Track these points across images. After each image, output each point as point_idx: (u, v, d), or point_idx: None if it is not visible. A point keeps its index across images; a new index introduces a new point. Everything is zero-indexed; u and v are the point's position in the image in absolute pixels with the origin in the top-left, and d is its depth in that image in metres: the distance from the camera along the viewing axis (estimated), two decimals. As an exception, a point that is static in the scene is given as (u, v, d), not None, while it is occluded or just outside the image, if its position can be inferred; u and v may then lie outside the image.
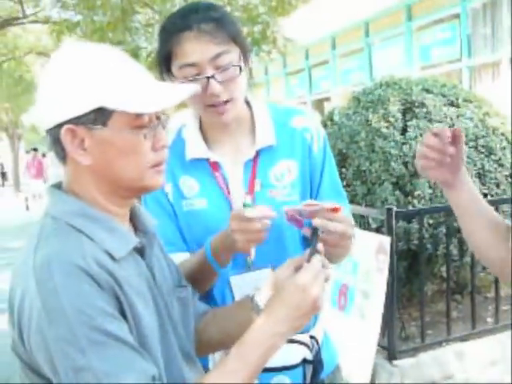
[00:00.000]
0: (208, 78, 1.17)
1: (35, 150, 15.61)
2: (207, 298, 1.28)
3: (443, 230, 3.24)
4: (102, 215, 0.92)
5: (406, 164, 3.40)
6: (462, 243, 3.31)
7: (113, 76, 0.90)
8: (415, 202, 3.30)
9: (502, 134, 3.57)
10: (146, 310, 0.90)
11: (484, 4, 7.68)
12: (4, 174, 29.52)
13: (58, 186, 0.98)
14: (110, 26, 8.14)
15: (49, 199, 0.96)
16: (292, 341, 1.23)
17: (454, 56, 8.18)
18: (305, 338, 1.28)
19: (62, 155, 0.93)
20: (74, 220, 0.90)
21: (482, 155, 3.46)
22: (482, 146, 3.50)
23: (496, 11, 7.45)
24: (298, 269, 0.99)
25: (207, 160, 1.29)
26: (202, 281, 1.27)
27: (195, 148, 1.30)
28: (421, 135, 3.42)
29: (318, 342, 1.31)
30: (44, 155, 15.41)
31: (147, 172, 0.93)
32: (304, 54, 12.35)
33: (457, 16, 8.08)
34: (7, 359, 0.99)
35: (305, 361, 1.27)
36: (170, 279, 1.06)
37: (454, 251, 3.32)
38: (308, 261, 0.96)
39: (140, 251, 0.96)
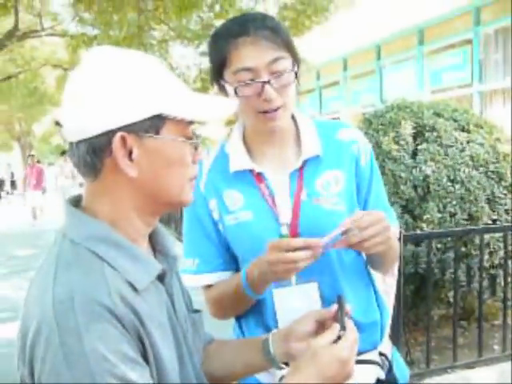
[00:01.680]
0: (264, 82, 1.16)
1: (33, 156, 14.29)
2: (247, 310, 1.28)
3: (451, 254, 3.23)
4: (125, 241, 0.85)
5: (415, 187, 3.40)
6: (469, 269, 3.29)
7: (169, 82, 0.87)
8: (424, 225, 3.29)
9: (513, 161, 3.56)
10: (165, 342, 0.85)
11: (496, 30, 7.73)
12: (13, 183, 29.77)
13: (75, 202, 0.90)
14: (126, 40, 8.26)
15: (67, 219, 0.87)
16: (363, 361, 1.20)
17: (465, 81, 8.21)
18: (374, 355, 1.25)
19: (99, 168, 0.83)
20: (96, 246, 0.82)
21: (493, 181, 3.46)
22: (492, 172, 3.49)
23: (508, 37, 7.48)
24: (318, 322, 0.98)
25: (251, 171, 1.27)
26: (238, 305, 1.27)
27: (238, 160, 1.28)
28: (431, 159, 3.42)
29: (388, 359, 1.27)
30: (39, 161, 14.83)
31: (186, 185, 0.90)
32: (315, 74, 12.44)
33: (469, 41, 8.12)
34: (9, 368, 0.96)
35: (378, 380, 1.23)
36: (185, 304, 1.01)
37: (462, 277, 3.30)
38: (342, 327, 0.91)
39: (160, 277, 0.90)
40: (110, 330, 0.75)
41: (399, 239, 2.87)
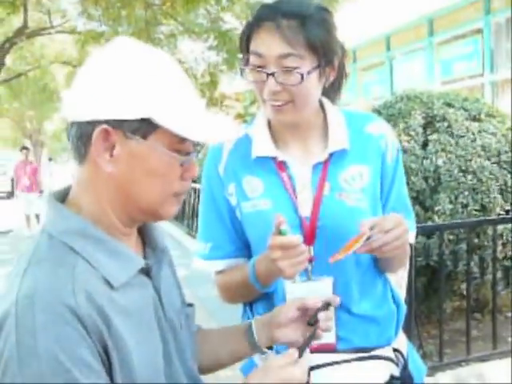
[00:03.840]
0: (268, 74, 1.13)
1: (26, 148, 12.01)
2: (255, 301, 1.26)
3: (464, 246, 3.18)
4: (105, 236, 0.82)
5: (426, 179, 3.35)
6: (482, 260, 3.24)
7: (170, 89, 0.82)
8: (435, 217, 3.25)
9: (526, 150, 3.50)
10: (144, 340, 0.81)
11: (507, 19, 7.61)
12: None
13: (60, 196, 0.87)
14: (134, 36, 8.25)
15: (48, 213, 0.85)
16: (376, 357, 1.17)
17: (476, 71, 8.11)
18: (388, 351, 1.22)
19: (83, 154, 0.82)
20: (73, 241, 0.80)
21: (505, 171, 3.40)
22: (505, 162, 3.43)
23: (520, 26, 7.37)
24: (300, 309, 0.99)
25: (274, 159, 1.22)
26: (247, 294, 1.25)
27: (262, 146, 1.23)
28: (442, 150, 3.37)
29: (403, 356, 1.24)
30: (50, 159, 13.49)
31: (168, 199, 0.85)
32: (325, 67, 12.36)
33: (479, 31, 8.02)
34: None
35: (392, 377, 1.19)
36: (179, 298, 0.99)
37: (475, 268, 3.25)
38: (300, 351, 0.90)
39: (147, 271, 0.88)
40: (68, 333, 0.71)
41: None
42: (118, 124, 0.79)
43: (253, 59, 1.15)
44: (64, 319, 0.71)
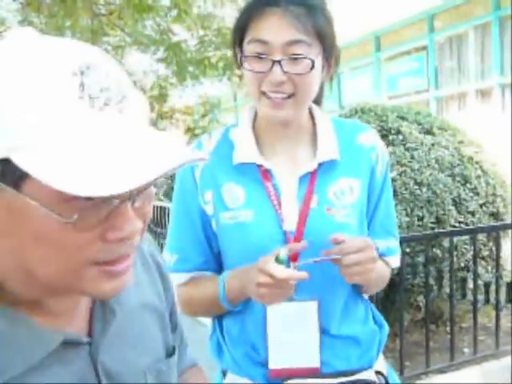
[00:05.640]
0: (274, 61, 1.03)
1: None
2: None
3: (421, 258, 3.19)
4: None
5: (382, 191, 3.36)
6: (440, 272, 3.27)
7: (55, 113, 0.53)
8: (392, 229, 3.25)
9: (477, 163, 3.58)
10: None
11: (450, 38, 7.92)
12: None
13: None
14: (79, 47, 8.00)
15: None
16: (360, 381, 1.11)
17: (422, 86, 8.37)
18: (371, 375, 1.15)
19: None
20: None
21: (458, 184, 3.46)
22: (458, 174, 3.50)
23: (462, 45, 7.68)
24: None
25: (258, 166, 1.13)
26: (212, 311, 1.17)
27: (245, 151, 1.13)
28: (397, 162, 3.40)
29: (385, 378, 1.18)
30: None
31: (87, 271, 0.58)
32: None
33: (424, 48, 8.29)
34: None
35: None
36: (154, 351, 0.78)
37: (431, 280, 3.27)
38: None
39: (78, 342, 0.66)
40: None
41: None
42: None
43: (254, 47, 1.05)
44: None
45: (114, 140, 0.54)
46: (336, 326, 1.13)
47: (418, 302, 3.41)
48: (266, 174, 1.12)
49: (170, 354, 0.81)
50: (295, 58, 1.03)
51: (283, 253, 0.97)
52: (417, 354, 3.31)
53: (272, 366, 1.09)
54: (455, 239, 3.26)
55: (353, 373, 1.12)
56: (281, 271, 0.96)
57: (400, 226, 3.25)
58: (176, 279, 1.17)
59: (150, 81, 9.64)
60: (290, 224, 1.10)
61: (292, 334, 1.08)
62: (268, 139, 1.16)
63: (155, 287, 0.83)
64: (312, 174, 1.12)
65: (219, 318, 1.20)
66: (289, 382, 1.08)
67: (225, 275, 1.11)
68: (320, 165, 1.13)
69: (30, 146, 0.52)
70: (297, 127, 1.14)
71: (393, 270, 3.17)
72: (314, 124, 1.18)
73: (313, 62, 1.05)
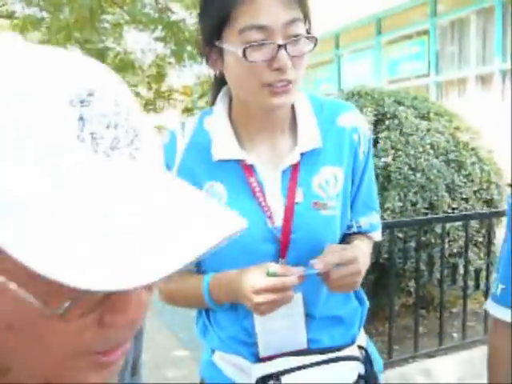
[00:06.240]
0: (279, 46, 0.94)
1: None
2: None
3: (413, 244, 3.20)
4: None
5: (376, 176, 3.34)
6: (431, 257, 3.27)
7: (42, 156, 0.38)
8: (384, 214, 3.25)
9: (472, 149, 3.56)
10: None
11: (452, 22, 7.83)
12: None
13: None
14: (77, 24, 7.89)
15: None
16: (345, 358, 1.11)
17: (422, 71, 8.31)
18: (354, 350, 1.15)
19: None
20: None
21: (453, 170, 3.45)
22: (452, 161, 3.48)
23: (463, 29, 7.59)
24: None
25: (239, 162, 1.06)
26: (196, 306, 1.17)
27: (225, 146, 1.06)
28: (392, 147, 3.38)
29: (367, 352, 1.18)
30: None
31: (73, 363, 0.43)
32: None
33: (426, 32, 8.21)
34: None
35: (360, 377, 1.12)
36: None
37: (422, 266, 3.28)
38: None
39: None
40: None
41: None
42: None
43: (251, 35, 0.94)
44: None
45: (126, 206, 0.38)
46: (320, 310, 1.13)
47: (409, 287, 3.43)
48: (249, 169, 1.06)
49: None
50: (296, 40, 0.97)
51: (273, 268, 0.96)
52: (406, 339, 3.33)
53: (263, 354, 1.10)
54: (448, 225, 3.26)
55: (338, 349, 1.12)
56: (278, 280, 0.95)
57: (393, 211, 3.25)
58: None
59: (148, 60, 9.58)
60: (277, 220, 1.06)
61: (279, 322, 1.08)
62: (247, 130, 1.09)
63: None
64: (295, 166, 1.07)
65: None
66: (278, 359, 1.08)
67: (208, 279, 1.07)
68: (302, 154, 1.07)
69: (5, 212, 0.36)
70: (278, 115, 1.08)
71: (384, 254, 3.17)
72: (293, 111, 1.11)
73: (316, 39, 0.99)
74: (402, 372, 3.00)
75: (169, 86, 11.00)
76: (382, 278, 3.27)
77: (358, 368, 1.13)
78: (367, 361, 1.16)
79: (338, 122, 1.12)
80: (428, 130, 3.53)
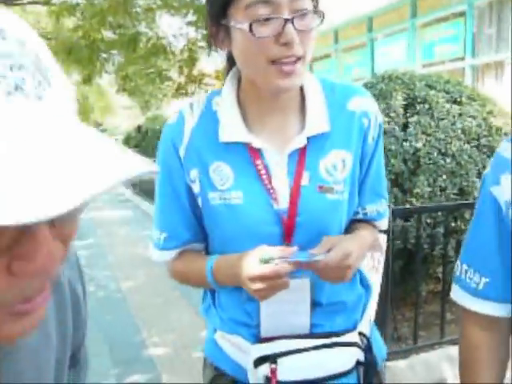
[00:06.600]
0: (286, 20, 0.93)
1: None
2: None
3: (441, 229, 3.16)
4: None
5: (405, 161, 3.31)
6: (459, 244, 3.23)
7: None
8: (413, 200, 3.22)
9: (506, 134, 3.48)
10: None
11: (490, 3, 7.58)
12: None
13: None
14: (111, 9, 7.98)
15: None
16: (343, 343, 1.12)
17: (458, 54, 8.09)
18: (354, 336, 1.15)
19: None
20: None
21: (484, 155, 3.38)
22: (484, 146, 3.41)
23: (503, 11, 7.35)
24: None
25: (246, 145, 1.06)
26: (201, 286, 1.18)
27: (232, 129, 1.05)
28: (422, 132, 3.33)
29: (368, 339, 1.17)
30: None
31: None
32: (306, 47, 12.24)
33: (462, 14, 7.98)
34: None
35: (358, 363, 1.13)
36: None
37: (451, 252, 3.24)
38: None
39: None
40: None
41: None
42: None
43: (257, 10, 0.93)
44: None
45: (28, 142, 0.37)
46: (326, 297, 1.14)
47: (437, 273, 3.40)
48: (255, 152, 1.06)
49: None
50: (303, 14, 0.95)
51: (266, 255, 0.95)
52: (433, 325, 3.31)
53: (264, 334, 1.11)
54: (478, 211, 3.20)
55: (338, 334, 1.13)
56: (270, 268, 0.95)
57: (422, 196, 3.22)
58: (166, 256, 1.18)
59: (180, 44, 9.63)
60: (282, 204, 1.06)
61: (285, 306, 1.08)
62: (254, 112, 1.08)
63: (63, 326, 0.67)
64: (302, 150, 1.07)
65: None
66: (277, 341, 1.09)
67: (212, 263, 1.09)
68: (309, 138, 1.07)
69: None
70: (287, 97, 1.07)
71: (411, 240, 3.14)
72: (302, 93, 1.10)
73: (322, 14, 0.98)
74: (427, 358, 2.99)
75: (200, 71, 11.03)
76: (409, 264, 3.26)
77: (357, 354, 1.13)
78: (367, 348, 1.16)
79: (349, 106, 1.10)
80: (460, 115, 3.46)
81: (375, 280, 2.77)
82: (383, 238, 2.78)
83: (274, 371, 1.06)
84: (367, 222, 1.20)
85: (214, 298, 1.21)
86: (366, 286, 1.24)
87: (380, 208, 1.21)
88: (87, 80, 9.72)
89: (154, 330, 3.96)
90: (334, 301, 1.15)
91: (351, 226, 1.17)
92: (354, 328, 1.17)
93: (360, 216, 1.19)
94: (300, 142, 1.06)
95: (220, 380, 1.19)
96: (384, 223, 1.24)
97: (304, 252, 0.99)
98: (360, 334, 1.17)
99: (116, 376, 3.27)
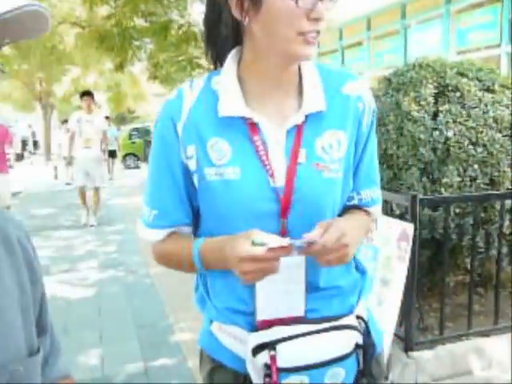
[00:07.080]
0: None
1: None
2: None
3: (470, 220, 3.11)
4: None
5: (435, 150, 3.26)
6: (488, 235, 3.18)
7: None
8: (442, 189, 3.17)
9: (540, 124, 3.38)
10: None
11: (529, -12, 7.34)
12: (36, 143, 30.10)
13: None
14: (143, -3, 8.05)
15: None
16: (343, 327, 1.12)
17: (493, 41, 7.88)
18: (352, 320, 1.16)
19: None
20: None
21: (517, 145, 3.30)
22: (517, 135, 3.33)
23: (541, -5, 7.11)
24: None
25: (244, 120, 1.07)
26: (189, 270, 1.17)
27: (231, 103, 1.06)
28: (453, 121, 3.27)
29: (366, 322, 1.18)
30: (66, 121, 11.91)
31: None
32: (338, 35, 12.09)
33: (499, 0, 7.75)
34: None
35: (357, 346, 1.13)
36: (12, 348, 0.69)
37: (480, 243, 3.19)
38: None
39: None
40: None
41: (415, 202, 2.76)
42: None
43: None
44: None
45: None
46: (322, 280, 1.14)
47: (465, 264, 3.35)
48: (254, 127, 1.07)
49: (32, 353, 0.73)
50: None
51: (258, 238, 0.95)
52: (461, 316, 3.27)
53: (260, 317, 1.11)
54: (509, 202, 3.14)
55: (335, 318, 1.13)
56: (263, 249, 0.95)
57: (451, 186, 3.17)
58: (155, 236, 1.17)
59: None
60: (279, 180, 1.07)
61: (279, 285, 1.08)
62: (254, 89, 1.10)
63: (18, 277, 0.73)
64: (299, 127, 1.09)
65: (202, 273, 1.21)
66: (274, 328, 1.09)
67: (199, 245, 1.08)
68: (307, 117, 1.09)
69: None
70: (286, 77, 1.10)
71: (439, 230, 3.09)
72: (300, 74, 1.13)
73: None
74: (453, 349, 2.97)
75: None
76: (437, 255, 3.22)
77: (355, 337, 1.13)
78: (366, 332, 1.16)
79: (344, 90, 1.13)
80: (492, 103, 3.38)
81: (401, 269, 2.76)
82: (410, 228, 2.75)
83: (273, 358, 1.06)
84: (361, 208, 1.22)
85: (207, 289, 1.21)
86: (361, 271, 1.25)
87: (374, 194, 1.22)
88: (119, 67, 9.84)
89: (181, 315, 4.02)
90: (330, 285, 1.16)
91: (346, 213, 1.18)
92: (351, 312, 1.17)
93: (355, 201, 1.20)
94: (298, 118, 1.08)
95: (218, 372, 1.19)
96: (378, 210, 1.25)
97: (298, 239, 1.00)
98: (358, 317, 1.17)
99: (143, 359, 3.36)
